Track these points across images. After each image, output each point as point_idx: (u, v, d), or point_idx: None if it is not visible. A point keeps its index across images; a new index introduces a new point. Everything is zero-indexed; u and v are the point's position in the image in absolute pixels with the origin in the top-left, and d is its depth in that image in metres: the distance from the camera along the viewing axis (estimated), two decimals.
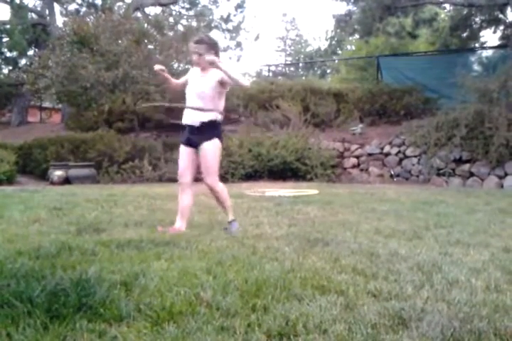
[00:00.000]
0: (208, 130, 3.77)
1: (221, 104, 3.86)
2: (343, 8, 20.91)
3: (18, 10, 16.69)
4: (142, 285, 2.14)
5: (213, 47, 3.82)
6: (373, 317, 1.80)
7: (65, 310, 1.79)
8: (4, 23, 17.31)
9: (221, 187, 3.87)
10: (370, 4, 13.55)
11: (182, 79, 4.05)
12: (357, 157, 10.86)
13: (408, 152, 10.22)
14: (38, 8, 19.23)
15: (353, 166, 10.82)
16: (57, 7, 18.47)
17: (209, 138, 3.76)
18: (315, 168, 10.31)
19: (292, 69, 37.39)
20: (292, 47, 42.19)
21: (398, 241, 3.34)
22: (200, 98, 3.78)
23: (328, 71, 35.33)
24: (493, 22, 15.29)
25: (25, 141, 12.82)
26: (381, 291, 2.14)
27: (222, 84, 3.77)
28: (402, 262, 2.69)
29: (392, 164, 10.38)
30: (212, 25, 19.00)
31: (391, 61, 14.50)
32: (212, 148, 3.78)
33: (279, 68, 33.95)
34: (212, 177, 3.79)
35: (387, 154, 10.51)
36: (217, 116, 3.81)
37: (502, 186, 8.92)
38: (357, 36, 19.15)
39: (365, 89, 12.64)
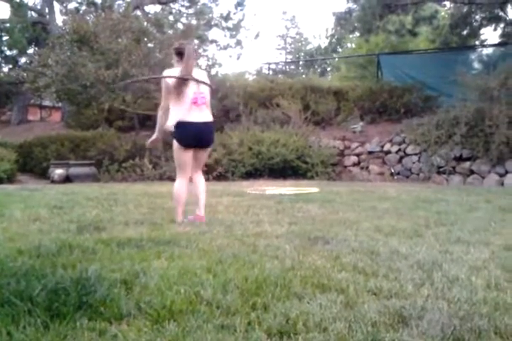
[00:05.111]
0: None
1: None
2: (343, 6, 20.97)
3: (18, 8, 16.68)
4: (142, 284, 2.14)
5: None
6: (373, 316, 1.80)
7: (65, 308, 1.79)
8: (4, 21, 17.31)
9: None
10: (370, 2, 13.52)
11: None
12: (357, 155, 10.86)
13: (408, 150, 10.21)
14: (38, 7, 19.23)
15: (354, 164, 10.82)
16: (56, 5, 18.46)
17: None
18: (315, 166, 10.32)
19: (292, 67, 37.25)
20: (292, 46, 42.09)
21: (398, 240, 3.34)
22: None
23: (329, 69, 35.28)
24: (494, 20, 15.25)
25: (26, 139, 12.86)
26: (381, 289, 2.14)
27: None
28: (402, 260, 2.69)
29: (392, 162, 10.38)
30: (212, 23, 18.97)
31: (391, 59, 14.46)
32: None
33: (279, 66, 33.74)
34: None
35: (388, 152, 10.50)
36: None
37: (502, 184, 8.91)
38: (357, 34, 19.09)
39: (366, 87, 12.62)
